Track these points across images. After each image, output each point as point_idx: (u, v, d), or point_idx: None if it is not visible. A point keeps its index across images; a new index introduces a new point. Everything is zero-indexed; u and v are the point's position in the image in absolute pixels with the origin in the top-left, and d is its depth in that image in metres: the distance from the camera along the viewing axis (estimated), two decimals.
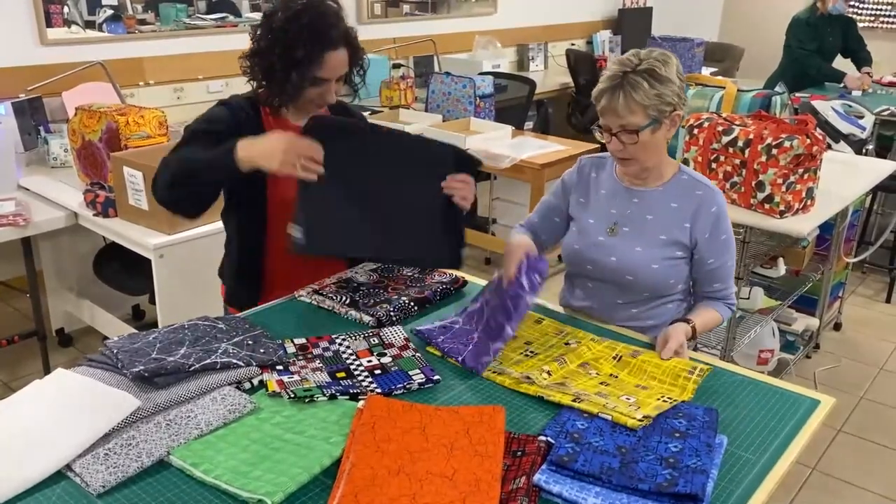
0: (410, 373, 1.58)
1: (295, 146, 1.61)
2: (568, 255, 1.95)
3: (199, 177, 1.73)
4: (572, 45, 6.48)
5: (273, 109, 1.89)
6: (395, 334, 1.73)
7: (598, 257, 1.87)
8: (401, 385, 1.52)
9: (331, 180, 1.65)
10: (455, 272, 2.07)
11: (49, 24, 3.61)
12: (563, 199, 1.98)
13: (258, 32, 1.80)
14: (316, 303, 1.90)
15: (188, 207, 1.82)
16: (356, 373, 1.58)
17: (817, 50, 5.14)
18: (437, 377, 1.56)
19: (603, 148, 1.87)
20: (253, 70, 1.83)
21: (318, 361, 1.61)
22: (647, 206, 1.84)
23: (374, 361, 1.62)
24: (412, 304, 1.87)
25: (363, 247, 1.81)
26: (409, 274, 2.06)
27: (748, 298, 3.10)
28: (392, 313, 1.81)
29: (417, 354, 1.65)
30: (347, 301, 1.87)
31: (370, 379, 1.56)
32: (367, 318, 1.81)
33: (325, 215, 1.70)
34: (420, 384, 1.54)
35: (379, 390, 1.51)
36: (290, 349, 1.65)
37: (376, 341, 1.70)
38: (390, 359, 1.64)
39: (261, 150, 1.61)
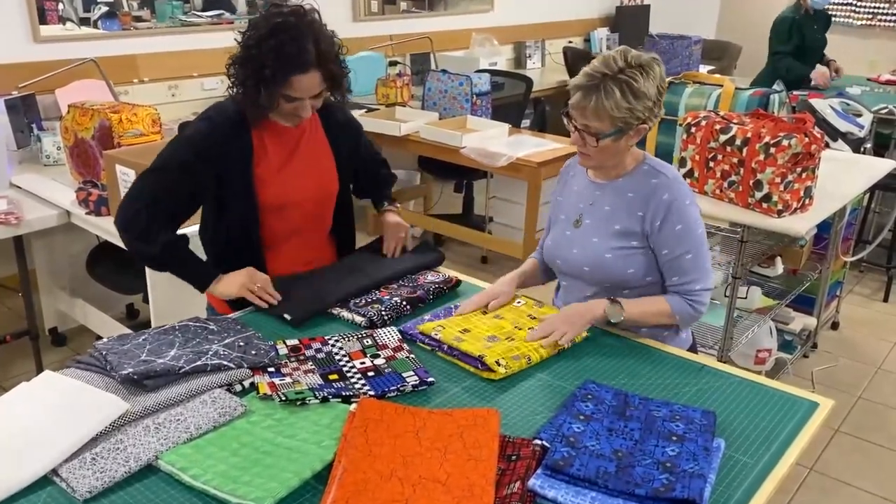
0: (404, 374, 1.56)
1: (252, 278, 1.86)
2: (545, 252, 1.98)
3: (175, 275, 1.93)
4: (570, 42, 6.45)
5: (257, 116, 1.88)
6: (390, 335, 1.71)
7: (564, 251, 1.88)
8: (394, 387, 1.50)
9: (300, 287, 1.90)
10: (449, 272, 2.05)
11: (44, 21, 3.58)
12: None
13: (239, 42, 1.80)
14: None
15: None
16: (349, 375, 1.56)
17: (799, 49, 5.12)
18: (431, 379, 1.54)
19: None
20: (230, 77, 1.84)
21: (310, 363, 1.59)
22: (606, 197, 1.84)
23: (368, 363, 1.60)
24: (405, 303, 1.85)
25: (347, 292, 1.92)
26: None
27: (745, 298, 3.09)
28: (384, 313, 1.79)
29: (412, 356, 1.63)
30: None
31: (363, 381, 1.54)
32: (358, 319, 1.79)
33: (306, 300, 1.87)
34: (414, 386, 1.52)
35: (372, 393, 1.49)
36: (283, 350, 1.63)
37: (370, 342, 1.68)
38: (384, 360, 1.61)
39: (223, 287, 1.88)
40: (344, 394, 1.47)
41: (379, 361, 1.61)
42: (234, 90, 1.84)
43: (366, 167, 2.19)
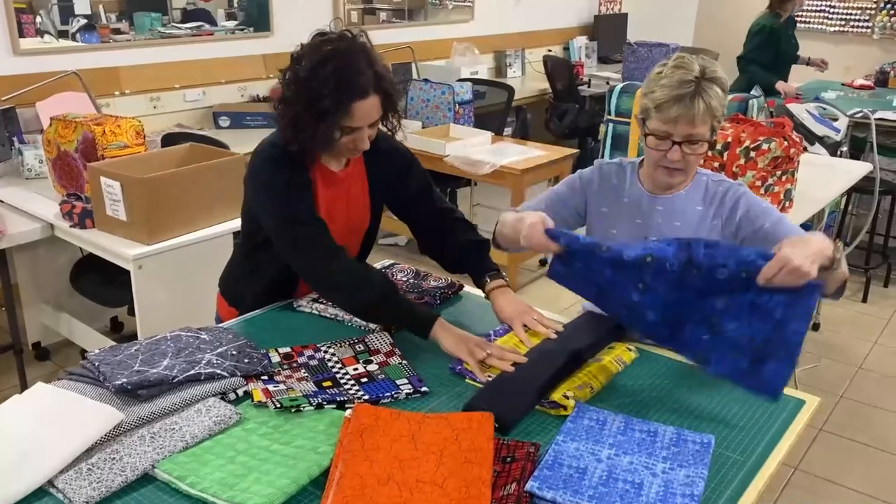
0: (397, 382, 1.56)
1: (476, 344, 1.62)
2: None
3: (392, 321, 1.76)
4: (549, 51, 6.51)
5: (309, 158, 1.77)
6: (381, 340, 1.71)
7: None
8: (388, 394, 1.51)
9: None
10: (451, 276, 2.03)
11: (21, 34, 3.56)
12: (578, 194, 1.89)
13: (286, 77, 1.69)
14: (318, 311, 1.87)
15: None
16: (342, 381, 1.57)
17: (774, 58, 5.16)
18: (424, 388, 1.54)
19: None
20: (280, 118, 1.71)
21: (303, 371, 1.60)
22: (672, 212, 1.78)
23: (361, 369, 1.61)
24: None
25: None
26: (406, 279, 2.05)
27: None
28: None
29: (404, 362, 1.64)
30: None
31: (357, 386, 1.54)
32: (371, 324, 1.79)
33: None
34: (408, 394, 1.53)
35: (366, 397, 1.50)
36: (275, 359, 1.63)
37: (361, 348, 1.69)
38: (376, 366, 1.62)
39: (451, 343, 1.64)
40: (339, 399, 1.48)
41: (372, 367, 1.62)
42: (287, 131, 1.70)
43: (419, 209, 1.96)
